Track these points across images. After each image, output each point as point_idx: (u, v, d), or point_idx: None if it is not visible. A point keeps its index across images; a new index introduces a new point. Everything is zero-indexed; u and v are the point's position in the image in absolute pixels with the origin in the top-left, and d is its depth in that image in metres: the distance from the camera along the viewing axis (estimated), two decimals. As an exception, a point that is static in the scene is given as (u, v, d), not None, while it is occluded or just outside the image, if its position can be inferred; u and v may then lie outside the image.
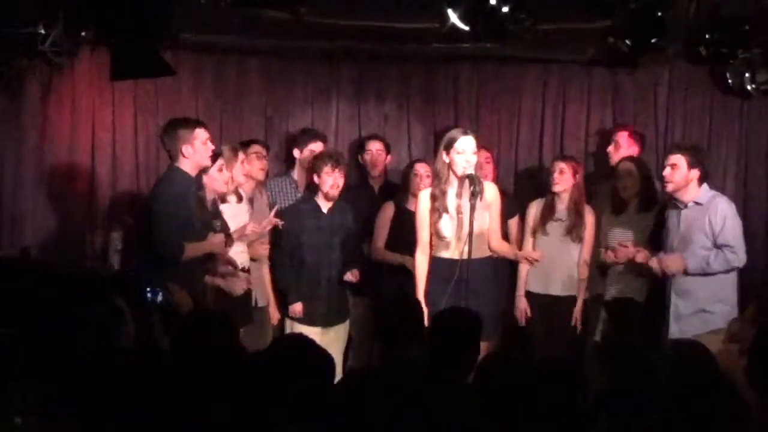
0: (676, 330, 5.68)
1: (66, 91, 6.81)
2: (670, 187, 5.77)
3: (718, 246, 5.63)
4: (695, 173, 5.72)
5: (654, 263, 5.75)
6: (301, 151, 6.68)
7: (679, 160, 5.73)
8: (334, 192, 6.22)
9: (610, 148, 6.70)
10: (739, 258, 5.65)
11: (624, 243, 5.96)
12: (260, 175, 6.33)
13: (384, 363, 4.32)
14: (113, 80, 5.91)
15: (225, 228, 5.69)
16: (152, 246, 5.32)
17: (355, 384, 3.94)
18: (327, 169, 6.18)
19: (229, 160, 5.82)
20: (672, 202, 5.86)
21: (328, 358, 3.42)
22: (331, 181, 6.18)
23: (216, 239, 5.51)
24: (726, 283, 5.69)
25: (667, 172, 5.76)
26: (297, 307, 6.22)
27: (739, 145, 7.11)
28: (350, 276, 6.19)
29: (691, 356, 3.91)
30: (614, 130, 6.89)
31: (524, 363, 3.77)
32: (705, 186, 5.79)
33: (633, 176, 6.19)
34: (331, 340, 6.10)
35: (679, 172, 5.72)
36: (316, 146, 6.64)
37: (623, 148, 6.66)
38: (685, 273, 5.69)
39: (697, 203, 5.73)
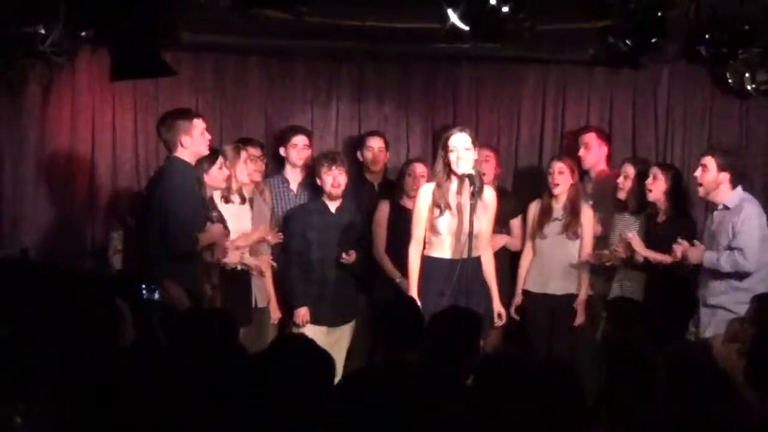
0: (702, 329, 5.66)
1: (66, 91, 6.81)
2: (701, 190, 5.74)
3: (731, 247, 5.58)
4: (725, 176, 5.65)
5: (677, 249, 5.70)
6: (285, 148, 6.69)
7: (709, 161, 5.69)
8: (337, 190, 6.23)
9: (581, 152, 6.68)
10: (749, 263, 5.54)
11: (626, 238, 5.95)
12: (257, 177, 6.32)
13: (384, 363, 4.32)
14: (113, 80, 5.90)
15: (222, 220, 5.72)
16: (162, 240, 5.31)
17: (355, 384, 3.94)
18: (324, 168, 6.21)
19: (232, 159, 5.86)
20: (710, 203, 5.83)
21: (328, 358, 3.42)
22: (331, 179, 6.20)
23: (216, 229, 5.56)
24: (751, 286, 5.62)
25: (697, 173, 5.73)
26: (302, 312, 6.22)
27: (739, 145, 7.10)
28: (346, 257, 6.19)
29: (691, 356, 3.91)
30: (580, 132, 6.85)
31: (524, 363, 3.77)
32: (738, 189, 5.70)
33: (630, 179, 6.21)
34: (336, 340, 6.12)
35: (708, 174, 5.67)
36: (299, 140, 6.66)
37: (594, 149, 6.67)
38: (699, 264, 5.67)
39: (725, 207, 5.68)
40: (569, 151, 6.88)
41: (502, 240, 6.46)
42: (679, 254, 5.69)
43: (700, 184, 5.72)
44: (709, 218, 5.85)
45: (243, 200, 6.02)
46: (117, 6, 5.45)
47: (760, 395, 3.63)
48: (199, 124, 5.51)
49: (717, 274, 5.63)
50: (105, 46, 5.93)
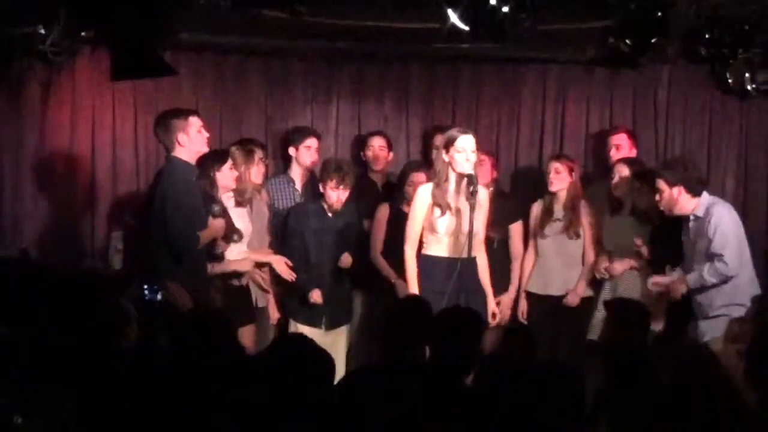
0: (700, 332, 5.68)
1: (66, 91, 6.80)
2: (665, 211, 5.79)
3: (710, 255, 5.60)
4: (678, 190, 5.70)
5: (660, 287, 5.80)
6: (297, 149, 6.68)
7: (660, 183, 5.75)
8: (338, 206, 6.22)
9: (611, 152, 6.67)
10: (729, 267, 5.56)
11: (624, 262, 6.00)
12: (259, 179, 6.32)
13: (384, 363, 4.32)
14: (113, 80, 5.91)
15: (225, 214, 5.72)
16: (165, 240, 5.31)
17: (355, 384, 3.94)
18: (332, 184, 6.17)
19: (246, 162, 5.88)
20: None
21: (328, 358, 3.43)
22: (335, 196, 6.19)
23: (216, 224, 5.57)
24: (736, 287, 5.63)
25: (657, 197, 5.79)
26: (315, 294, 6.20)
27: (739, 145, 7.10)
28: (343, 261, 6.21)
29: (691, 356, 3.91)
30: (611, 132, 6.86)
31: (524, 363, 3.77)
32: (704, 195, 5.74)
33: (625, 178, 6.20)
34: (333, 341, 6.11)
35: (664, 195, 5.73)
36: (312, 142, 6.66)
37: (624, 150, 6.65)
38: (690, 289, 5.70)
39: (696, 216, 5.71)
40: (596, 149, 6.94)
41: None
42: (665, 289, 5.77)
43: (661, 207, 5.78)
44: (684, 230, 5.83)
45: (241, 203, 6.01)
46: (117, 6, 5.45)
47: (760, 396, 3.63)
48: (195, 122, 5.50)
49: (707, 287, 5.64)
50: (105, 46, 5.93)
